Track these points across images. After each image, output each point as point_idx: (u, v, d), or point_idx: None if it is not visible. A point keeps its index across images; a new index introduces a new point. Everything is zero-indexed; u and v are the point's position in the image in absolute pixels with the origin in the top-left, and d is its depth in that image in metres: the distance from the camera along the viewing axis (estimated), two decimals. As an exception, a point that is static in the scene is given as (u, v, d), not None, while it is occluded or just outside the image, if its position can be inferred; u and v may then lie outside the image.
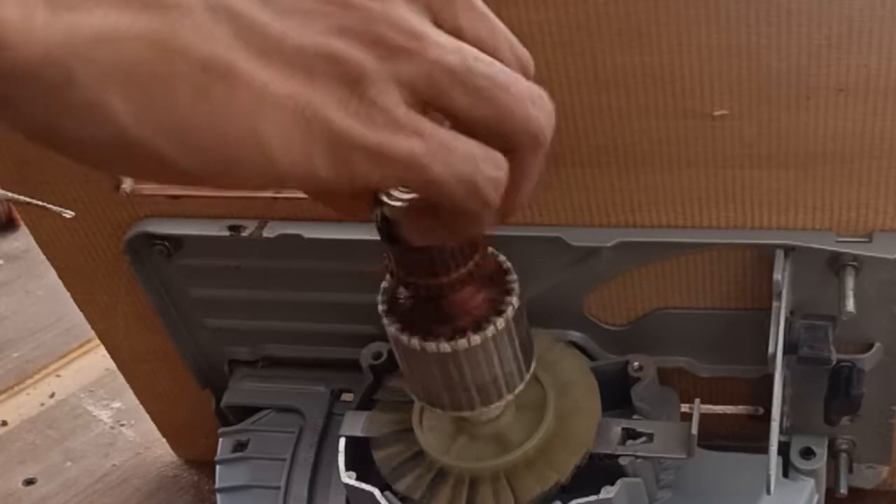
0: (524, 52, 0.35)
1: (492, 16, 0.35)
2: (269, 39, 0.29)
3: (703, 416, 0.51)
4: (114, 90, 0.27)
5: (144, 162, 0.29)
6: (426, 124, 0.31)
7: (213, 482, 0.63)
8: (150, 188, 0.59)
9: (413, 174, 0.31)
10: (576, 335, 0.60)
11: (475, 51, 0.33)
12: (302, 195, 0.57)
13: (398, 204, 0.38)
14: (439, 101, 0.32)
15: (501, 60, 0.34)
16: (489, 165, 0.33)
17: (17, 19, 0.26)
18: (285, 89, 0.29)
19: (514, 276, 0.45)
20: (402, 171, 0.31)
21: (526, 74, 0.35)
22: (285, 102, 0.29)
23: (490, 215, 0.35)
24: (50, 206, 0.58)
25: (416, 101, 0.31)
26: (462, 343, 0.44)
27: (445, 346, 0.44)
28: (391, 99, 0.31)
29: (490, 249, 0.46)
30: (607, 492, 0.50)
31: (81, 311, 0.68)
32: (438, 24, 0.32)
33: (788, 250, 0.53)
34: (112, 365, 0.73)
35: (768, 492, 0.50)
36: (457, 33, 0.33)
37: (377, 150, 0.30)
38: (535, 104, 0.34)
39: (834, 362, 0.54)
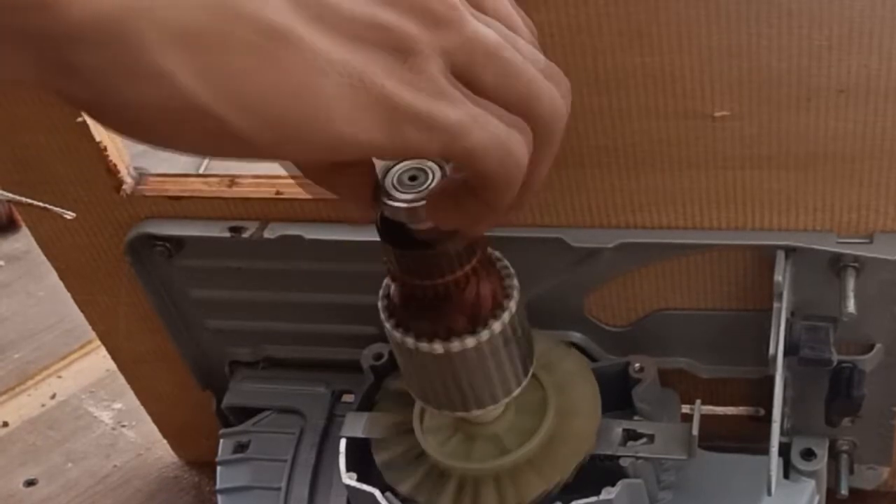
0: (532, 27, 0.37)
1: None
2: (325, 7, 0.30)
3: (703, 417, 0.51)
4: (176, 54, 0.28)
5: (203, 129, 0.29)
6: (465, 93, 0.33)
7: (214, 483, 0.63)
8: (150, 189, 0.60)
9: (457, 141, 0.32)
10: (576, 336, 0.60)
11: (507, 30, 0.34)
12: (302, 196, 0.57)
13: (397, 204, 0.39)
14: (471, 74, 0.33)
15: (520, 37, 0.35)
16: (520, 134, 0.34)
17: None
18: (340, 56, 0.30)
19: (514, 282, 0.45)
20: (448, 137, 0.32)
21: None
22: (340, 69, 0.30)
23: (509, 199, 0.35)
24: (51, 206, 0.58)
25: (452, 71, 0.32)
26: (455, 345, 0.44)
27: (438, 347, 0.44)
28: (435, 68, 0.32)
29: (495, 254, 0.46)
30: (608, 493, 0.50)
31: (82, 312, 0.68)
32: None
33: (789, 251, 0.53)
34: (113, 366, 0.73)
35: (769, 493, 0.50)
36: (481, 11, 0.34)
37: (426, 117, 0.31)
38: (558, 85, 0.35)
39: (835, 363, 0.54)
